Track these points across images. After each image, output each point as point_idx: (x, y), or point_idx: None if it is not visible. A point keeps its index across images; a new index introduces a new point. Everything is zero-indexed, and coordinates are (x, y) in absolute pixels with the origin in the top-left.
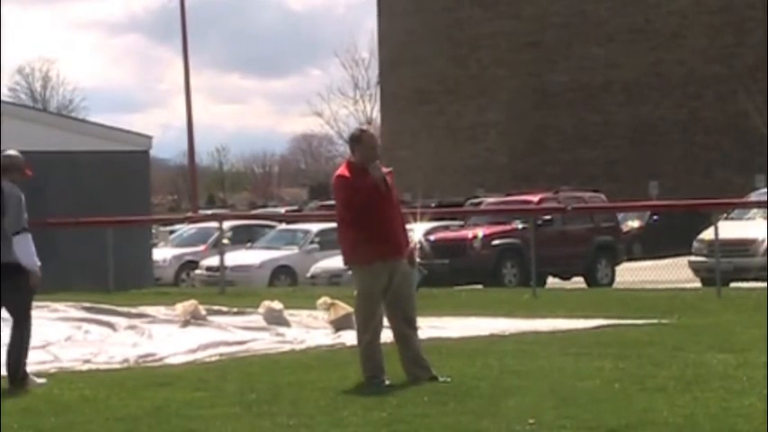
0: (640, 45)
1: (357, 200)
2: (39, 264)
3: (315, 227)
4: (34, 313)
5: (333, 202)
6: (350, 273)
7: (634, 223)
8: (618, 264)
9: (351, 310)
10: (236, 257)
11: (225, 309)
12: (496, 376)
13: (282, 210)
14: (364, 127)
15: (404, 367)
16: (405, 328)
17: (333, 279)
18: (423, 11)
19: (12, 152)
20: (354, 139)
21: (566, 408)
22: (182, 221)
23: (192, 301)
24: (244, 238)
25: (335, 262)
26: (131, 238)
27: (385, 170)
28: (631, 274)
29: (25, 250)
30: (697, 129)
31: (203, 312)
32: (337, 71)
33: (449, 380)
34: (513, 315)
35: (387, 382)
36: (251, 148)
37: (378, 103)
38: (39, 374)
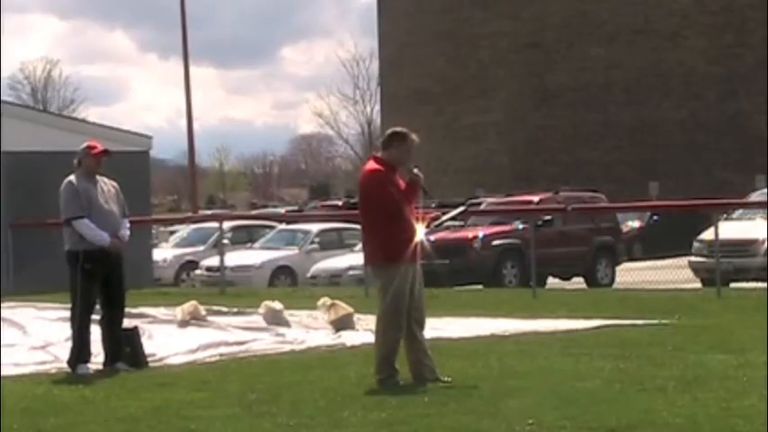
0: (640, 45)
1: (395, 197)
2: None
3: (315, 227)
4: (34, 313)
5: (335, 202)
6: (352, 272)
7: (634, 223)
8: (618, 264)
9: (351, 310)
10: (236, 258)
11: (225, 309)
12: (497, 377)
13: (282, 210)
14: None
15: (410, 366)
16: (416, 329)
17: (333, 279)
18: (423, 11)
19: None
20: (399, 137)
21: (566, 408)
22: (182, 222)
23: (192, 302)
24: (244, 238)
25: (335, 262)
26: (131, 238)
27: (417, 172)
28: (631, 274)
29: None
30: (697, 129)
31: (203, 313)
32: (338, 71)
33: (450, 380)
34: (513, 315)
35: (400, 382)
36: (251, 148)
37: (378, 103)
38: (39, 375)
